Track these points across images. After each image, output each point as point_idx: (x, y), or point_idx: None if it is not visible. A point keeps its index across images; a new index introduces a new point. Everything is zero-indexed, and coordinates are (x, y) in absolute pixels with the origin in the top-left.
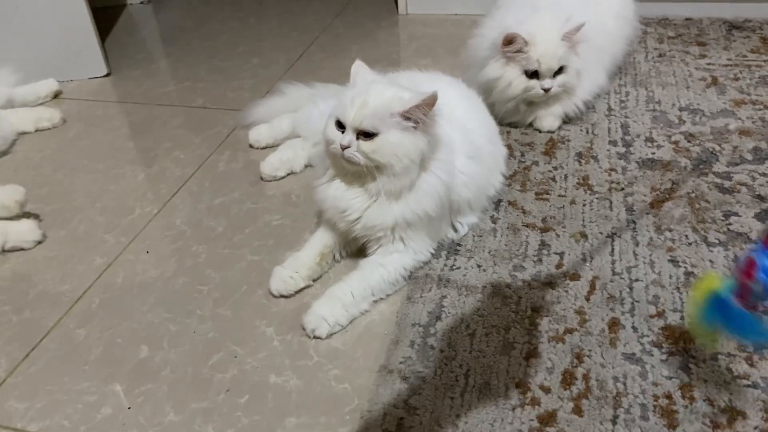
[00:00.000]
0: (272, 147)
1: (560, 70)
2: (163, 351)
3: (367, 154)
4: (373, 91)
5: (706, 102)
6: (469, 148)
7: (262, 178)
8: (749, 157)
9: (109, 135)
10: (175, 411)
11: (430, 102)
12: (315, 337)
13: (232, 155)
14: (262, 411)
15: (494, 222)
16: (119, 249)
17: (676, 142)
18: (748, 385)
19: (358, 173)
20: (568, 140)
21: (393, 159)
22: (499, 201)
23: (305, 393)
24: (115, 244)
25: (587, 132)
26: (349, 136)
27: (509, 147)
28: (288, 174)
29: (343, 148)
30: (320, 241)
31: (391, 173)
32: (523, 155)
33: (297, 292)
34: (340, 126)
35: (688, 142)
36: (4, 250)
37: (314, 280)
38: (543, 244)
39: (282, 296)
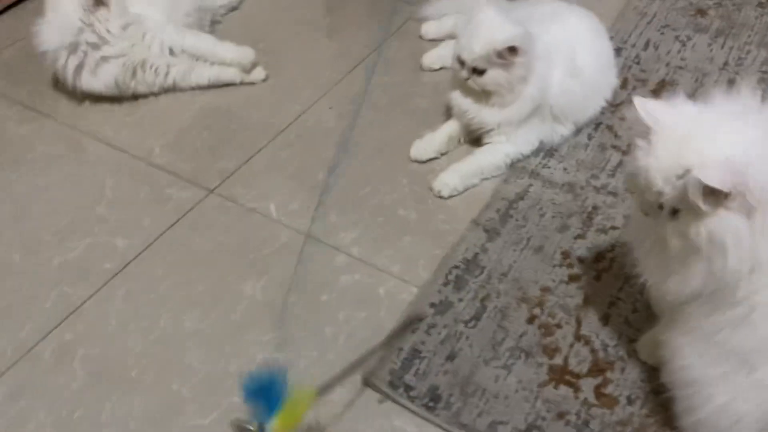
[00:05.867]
0: (436, 41)
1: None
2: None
3: (480, 85)
4: (479, 34)
5: None
6: (569, 67)
7: (421, 68)
8: None
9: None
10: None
11: (511, 46)
12: (439, 196)
13: (402, 43)
14: (391, 228)
15: (589, 139)
16: (311, 102)
17: None
18: None
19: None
20: (677, 84)
21: (497, 88)
22: (600, 123)
23: (420, 224)
24: (308, 97)
25: (696, 80)
26: (465, 73)
27: (625, 80)
28: (441, 68)
29: (465, 79)
30: (450, 127)
31: (498, 95)
32: (634, 89)
33: (428, 161)
34: (460, 61)
35: None
36: (242, 82)
37: (442, 155)
38: (620, 164)
39: (417, 161)
